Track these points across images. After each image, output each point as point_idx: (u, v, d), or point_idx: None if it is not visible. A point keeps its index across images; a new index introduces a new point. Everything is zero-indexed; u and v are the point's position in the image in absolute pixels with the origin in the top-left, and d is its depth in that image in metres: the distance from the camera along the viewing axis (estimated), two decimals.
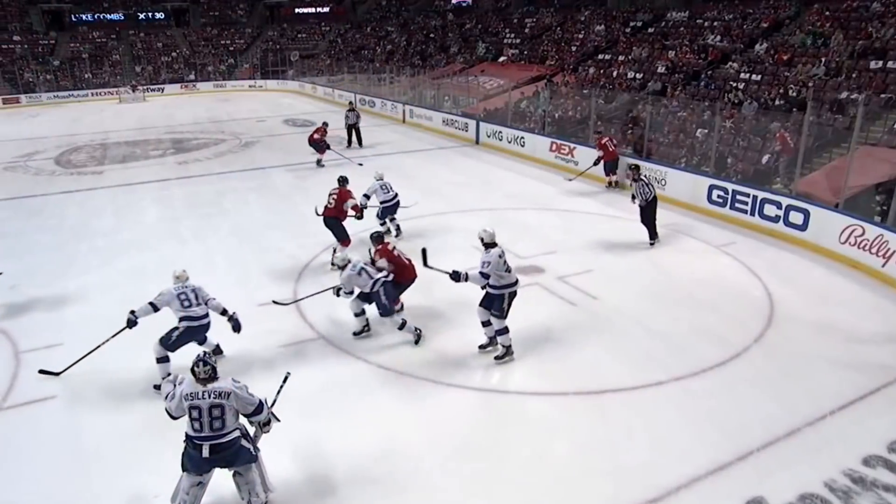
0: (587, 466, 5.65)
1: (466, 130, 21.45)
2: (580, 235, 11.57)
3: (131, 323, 6.86)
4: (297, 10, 55.74)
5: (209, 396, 4.69)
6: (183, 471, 4.86)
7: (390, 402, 6.74)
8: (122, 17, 51.91)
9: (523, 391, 6.83)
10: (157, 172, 18.13)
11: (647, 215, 10.88)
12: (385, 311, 7.69)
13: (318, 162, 18.02)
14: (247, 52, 50.14)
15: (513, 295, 7.23)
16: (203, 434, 4.69)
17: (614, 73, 22.79)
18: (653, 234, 11.00)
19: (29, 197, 16.07)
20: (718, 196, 12.34)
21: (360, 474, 5.63)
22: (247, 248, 11.54)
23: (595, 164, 14.89)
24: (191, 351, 7.07)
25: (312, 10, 55.87)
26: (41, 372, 7.35)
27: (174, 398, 4.78)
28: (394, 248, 8.09)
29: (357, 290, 7.74)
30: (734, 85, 17.98)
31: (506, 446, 5.95)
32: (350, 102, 25.63)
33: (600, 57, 25.10)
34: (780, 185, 12.96)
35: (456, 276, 7.19)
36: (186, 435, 4.78)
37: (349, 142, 21.14)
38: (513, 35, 32.69)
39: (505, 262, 7.14)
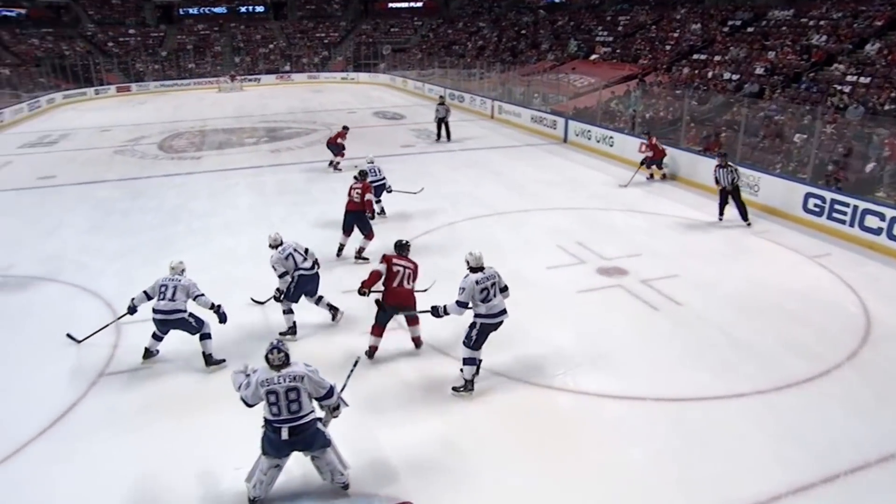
0: (661, 475, 5.55)
1: (555, 128, 21.27)
2: (667, 239, 11.31)
3: (131, 309, 7.45)
4: (390, 5, 56.60)
5: (285, 381, 4.87)
6: (262, 454, 5.06)
7: (464, 395, 6.80)
8: (225, 11, 54.15)
9: (600, 393, 6.74)
10: (251, 159, 18.84)
11: (736, 198, 11.88)
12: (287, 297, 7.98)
13: (335, 165, 17.15)
14: (340, 45, 51.31)
15: (488, 327, 6.60)
16: (281, 417, 4.88)
17: (709, 74, 22.10)
18: (745, 216, 11.91)
19: (134, 179, 17.06)
20: (815, 205, 11.78)
21: (428, 466, 5.71)
22: (333, 235, 11.82)
23: (643, 163, 15.20)
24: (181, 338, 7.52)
25: (406, 4, 56.57)
26: (68, 336, 8.01)
27: (249, 386, 4.97)
28: (401, 269, 7.22)
29: (287, 275, 7.95)
30: (839, 88, 17.10)
31: (579, 447, 5.91)
32: (440, 97, 25.81)
33: (695, 57, 24.38)
34: (884, 195, 12.25)
35: (435, 312, 6.71)
36: (265, 419, 4.97)
37: (438, 135, 21.30)
38: (605, 33, 32.16)
39: (486, 289, 6.51)
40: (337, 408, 5.25)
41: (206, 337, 7.41)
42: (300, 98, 35.71)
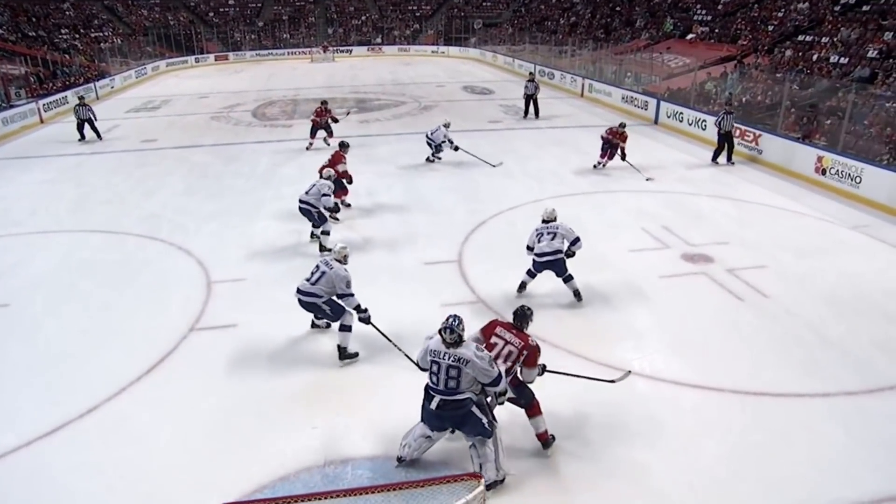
0: (736, 470, 5.43)
1: (646, 109, 20.73)
2: (757, 228, 10.90)
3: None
4: None
5: (449, 358, 4.94)
6: (421, 420, 5.21)
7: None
8: None
9: (678, 381, 6.63)
10: (340, 129, 19.09)
11: (731, 141, 14.96)
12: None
13: (325, 139, 16.91)
14: (432, 19, 51.29)
15: (536, 264, 8.23)
16: (437, 388, 4.98)
17: (814, 57, 20.93)
18: (731, 157, 15.12)
19: (228, 144, 17.74)
20: None
21: (510, 446, 5.75)
22: (417, 208, 12.01)
23: (623, 157, 14.13)
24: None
25: None
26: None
27: (423, 351, 5.13)
28: (502, 343, 5.49)
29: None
30: None
31: (653, 434, 5.85)
32: (530, 73, 25.50)
33: (800, 38, 23.12)
34: None
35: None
36: (425, 385, 5.12)
37: (525, 112, 21.11)
38: (704, 11, 30.86)
39: (540, 234, 8.19)
40: (503, 394, 5.22)
41: (344, 329, 6.97)
42: (390, 70, 36.05)
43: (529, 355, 5.44)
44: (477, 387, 5.05)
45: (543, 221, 8.29)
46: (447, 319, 4.97)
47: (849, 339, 7.41)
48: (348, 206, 11.92)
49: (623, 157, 14.13)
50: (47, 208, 12.41)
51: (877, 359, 7.01)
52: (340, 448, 5.62)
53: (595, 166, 14.44)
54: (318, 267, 6.93)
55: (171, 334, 7.60)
